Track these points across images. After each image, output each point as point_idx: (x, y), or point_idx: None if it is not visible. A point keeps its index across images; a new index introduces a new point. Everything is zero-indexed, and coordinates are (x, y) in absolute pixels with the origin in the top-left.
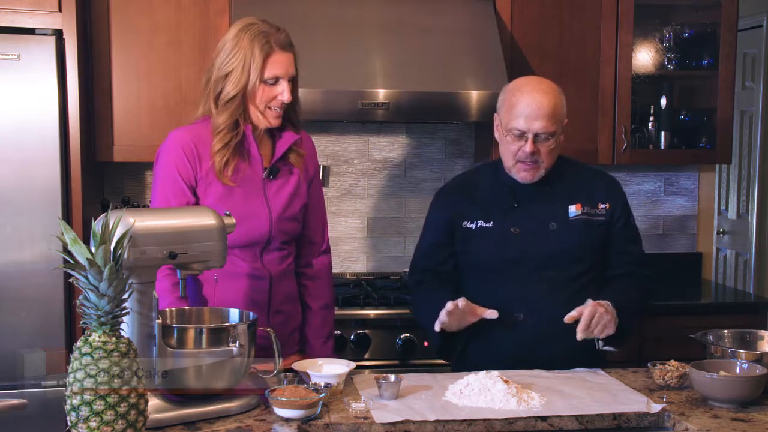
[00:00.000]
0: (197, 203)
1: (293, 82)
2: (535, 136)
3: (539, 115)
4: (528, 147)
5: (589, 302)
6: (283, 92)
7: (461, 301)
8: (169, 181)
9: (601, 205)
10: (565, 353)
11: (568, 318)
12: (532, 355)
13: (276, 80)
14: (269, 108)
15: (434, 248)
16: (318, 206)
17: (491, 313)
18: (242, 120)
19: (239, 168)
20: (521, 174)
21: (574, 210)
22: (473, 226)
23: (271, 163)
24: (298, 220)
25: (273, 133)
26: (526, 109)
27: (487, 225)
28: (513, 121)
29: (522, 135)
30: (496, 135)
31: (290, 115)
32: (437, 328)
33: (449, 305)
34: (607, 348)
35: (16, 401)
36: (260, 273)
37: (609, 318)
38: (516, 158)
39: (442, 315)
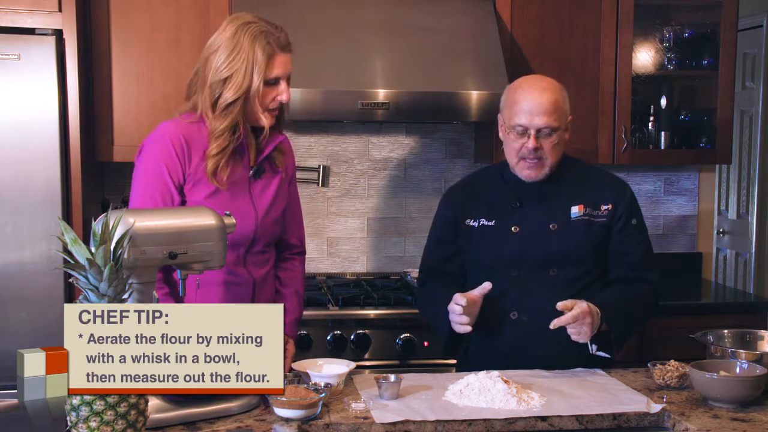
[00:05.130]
0: (182, 200)
1: (287, 81)
2: (538, 131)
3: (540, 110)
4: (531, 143)
5: (584, 304)
6: (282, 92)
7: (461, 300)
8: (154, 176)
9: (604, 207)
10: (559, 353)
11: (561, 306)
12: (526, 354)
13: (277, 80)
14: (269, 108)
15: (440, 246)
16: (295, 208)
17: (483, 287)
18: (241, 122)
19: (230, 169)
20: (525, 172)
21: (576, 211)
22: (476, 225)
23: (256, 162)
24: (280, 222)
25: (258, 133)
26: (527, 104)
27: (489, 223)
28: (515, 117)
29: (525, 131)
30: (501, 135)
31: (279, 114)
32: (462, 330)
33: (456, 308)
34: (600, 354)
35: (8, 402)
36: (244, 278)
37: (586, 329)
38: (519, 155)
39: (458, 319)
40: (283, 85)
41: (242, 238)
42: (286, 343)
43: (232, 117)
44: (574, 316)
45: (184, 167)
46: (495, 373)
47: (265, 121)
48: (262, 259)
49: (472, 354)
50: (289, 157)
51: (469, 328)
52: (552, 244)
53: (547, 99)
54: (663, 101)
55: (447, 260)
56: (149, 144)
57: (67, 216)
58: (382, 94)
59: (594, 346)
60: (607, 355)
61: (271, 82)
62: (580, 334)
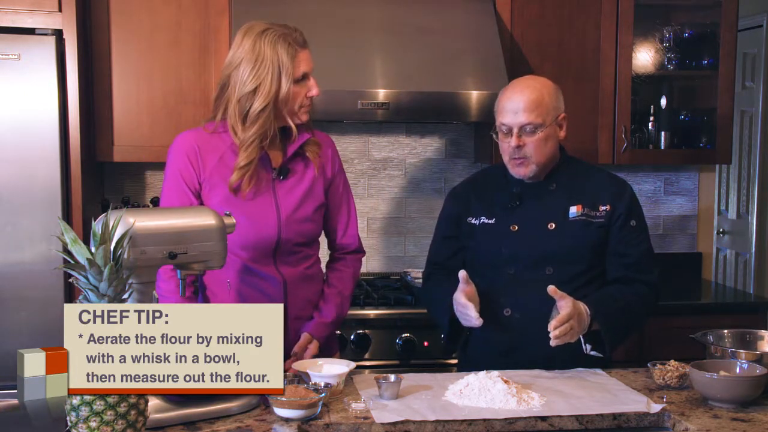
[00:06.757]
0: (201, 205)
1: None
2: (520, 129)
3: (519, 108)
4: (513, 141)
5: (570, 302)
6: (312, 87)
7: (467, 304)
8: (173, 185)
9: (602, 208)
10: (554, 352)
11: (551, 290)
12: (521, 352)
13: (305, 76)
14: (302, 106)
15: (443, 243)
16: (339, 208)
17: (462, 277)
18: (271, 129)
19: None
20: (515, 170)
21: (574, 211)
22: (477, 222)
23: (281, 163)
24: (312, 221)
25: (285, 134)
26: (509, 104)
27: (489, 221)
28: (500, 117)
29: (509, 130)
30: None
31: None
32: (477, 324)
33: (468, 305)
34: (593, 353)
35: (8, 402)
36: (273, 278)
37: (572, 333)
38: (508, 155)
39: (471, 314)
40: (311, 80)
41: (266, 238)
42: (308, 342)
43: (261, 123)
44: (568, 315)
45: (198, 173)
46: (495, 373)
47: (301, 118)
48: (295, 259)
49: (471, 351)
50: (325, 156)
51: (481, 321)
52: (549, 243)
53: (527, 97)
54: (663, 101)
55: (450, 257)
56: (168, 154)
57: (67, 216)
58: (382, 94)
59: (587, 346)
60: (600, 355)
61: (299, 80)
62: (563, 337)
